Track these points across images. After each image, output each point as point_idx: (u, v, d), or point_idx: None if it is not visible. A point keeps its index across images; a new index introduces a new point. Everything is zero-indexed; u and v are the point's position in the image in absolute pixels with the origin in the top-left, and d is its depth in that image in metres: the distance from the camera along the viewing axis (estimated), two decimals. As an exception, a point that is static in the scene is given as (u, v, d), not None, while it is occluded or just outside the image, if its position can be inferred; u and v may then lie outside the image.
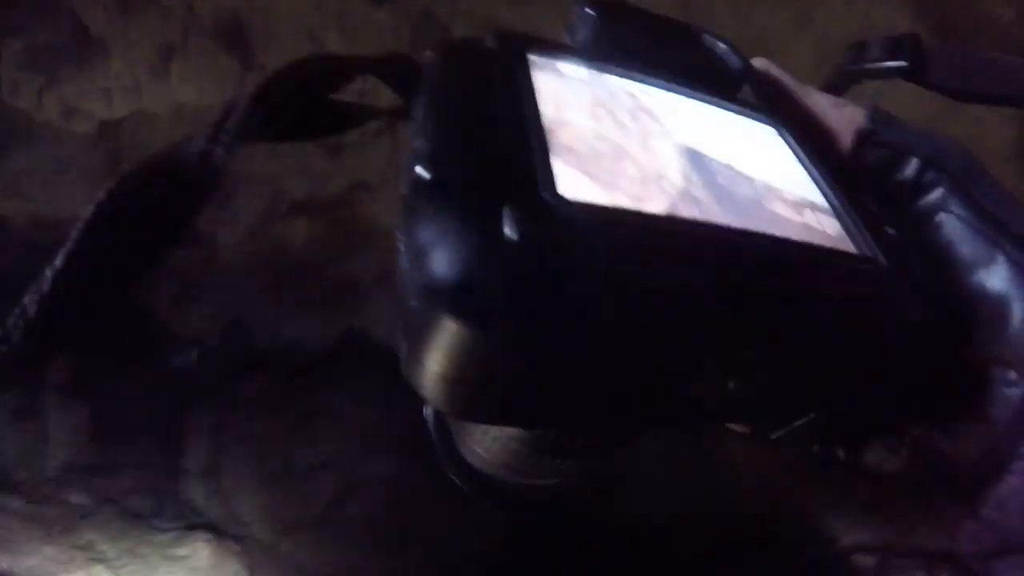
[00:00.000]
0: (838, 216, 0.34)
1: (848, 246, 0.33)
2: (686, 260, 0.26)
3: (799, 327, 0.27)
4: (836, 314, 0.29)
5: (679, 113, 0.36)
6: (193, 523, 1.97)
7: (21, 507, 1.70)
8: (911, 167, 0.38)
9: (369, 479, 2.37)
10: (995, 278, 0.34)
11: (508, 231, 0.23)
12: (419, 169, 0.25)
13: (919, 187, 0.38)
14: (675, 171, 0.31)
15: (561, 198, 0.25)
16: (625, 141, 0.31)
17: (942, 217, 0.36)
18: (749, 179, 0.33)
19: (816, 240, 0.32)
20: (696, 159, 0.32)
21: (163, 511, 1.97)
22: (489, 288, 0.22)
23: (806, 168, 0.37)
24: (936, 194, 0.37)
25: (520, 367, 0.23)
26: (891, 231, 0.35)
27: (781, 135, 0.39)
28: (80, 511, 1.82)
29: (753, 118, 0.40)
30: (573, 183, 0.26)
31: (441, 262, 0.22)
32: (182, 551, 1.82)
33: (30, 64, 1.75)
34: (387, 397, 2.71)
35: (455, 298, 0.22)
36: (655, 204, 0.28)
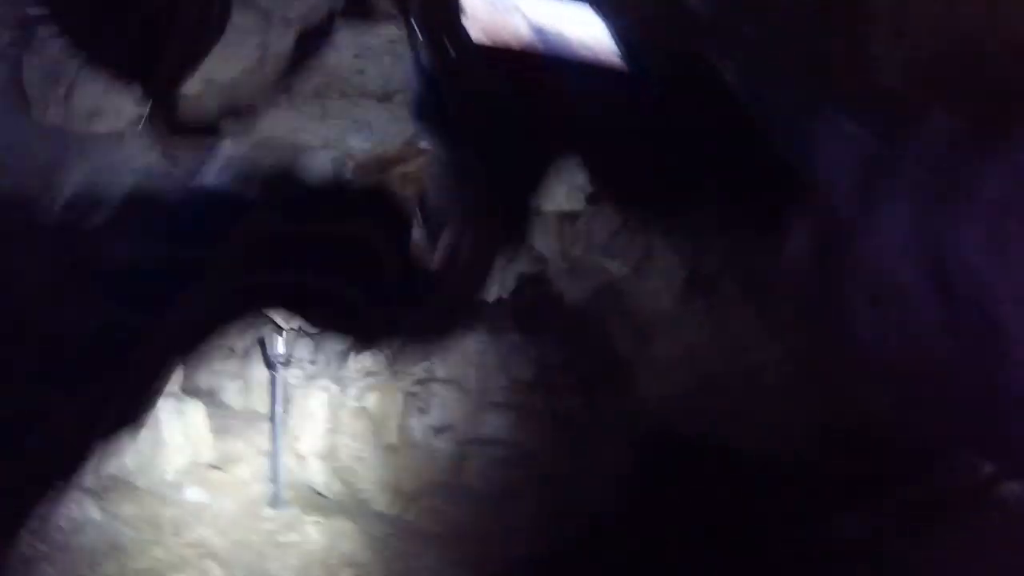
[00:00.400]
0: (624, 58, 2.95)
1: (624, 69, 3.03)
2: (526, 69, 3.21)
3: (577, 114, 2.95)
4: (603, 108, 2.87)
5: (537, 8, 3.40)
6: (306, 506, 1.93)
7: (134, 511, 1.71)
8: None
9: (485, 439, 2.26)
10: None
11: (451, 52, 3.03)
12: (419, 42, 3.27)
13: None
14: (526, 32, 3.38)
15: (470, 36, 3.23)
16: (502, 20, 3.38)
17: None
18: (568, 36, 3.28)
19: (606, 66, 2.89)
20: (539, 28, 3.39)
21: (278, 498, 1.94)
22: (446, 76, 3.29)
23: (609, 30, 2.94)
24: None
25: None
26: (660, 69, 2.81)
27: (597, 13, 2.94)
28: (194, 508, 1.82)
29: (582, 6, 3.01)
30: (475, 33, 3.26)
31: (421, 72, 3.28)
32: (293, 537, 1.78)
33: (49, 73, 1.71)
34: (498, 357, 2.58)
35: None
36: (514, 45, 3.37)
